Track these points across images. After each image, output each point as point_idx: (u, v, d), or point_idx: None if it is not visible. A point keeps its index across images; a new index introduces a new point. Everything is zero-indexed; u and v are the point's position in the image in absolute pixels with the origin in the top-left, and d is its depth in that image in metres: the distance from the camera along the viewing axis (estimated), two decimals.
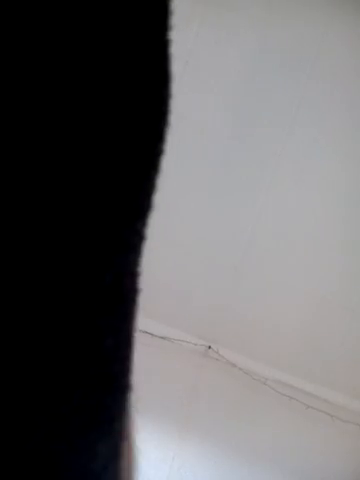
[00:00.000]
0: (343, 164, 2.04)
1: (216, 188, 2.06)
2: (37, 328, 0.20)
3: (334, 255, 2.07)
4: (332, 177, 2.05)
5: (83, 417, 0.21)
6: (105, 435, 0.22)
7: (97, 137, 0.20)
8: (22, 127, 0.19)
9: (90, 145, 0.20)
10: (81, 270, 0.20)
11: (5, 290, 0.19)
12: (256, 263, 2.08)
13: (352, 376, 2.11)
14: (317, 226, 2.06)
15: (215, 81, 2.01)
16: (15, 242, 0.19)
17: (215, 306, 2.10)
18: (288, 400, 2.08)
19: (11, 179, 0.19)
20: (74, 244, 0.20)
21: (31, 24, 0.19)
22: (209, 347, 2.11)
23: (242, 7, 1.98)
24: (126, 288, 0.22)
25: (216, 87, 2.02)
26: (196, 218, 2.08)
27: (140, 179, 0.22)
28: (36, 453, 0.19)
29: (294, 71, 2.00)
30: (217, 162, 2.06)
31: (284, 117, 2.02)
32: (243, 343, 2.10)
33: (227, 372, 2.08)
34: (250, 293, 2.10)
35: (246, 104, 2.04)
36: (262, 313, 2.09)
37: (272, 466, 2.07)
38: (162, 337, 2.08)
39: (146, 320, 2.00)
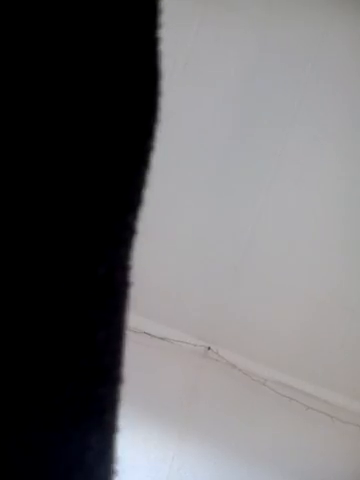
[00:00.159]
0: (343, 164, 2.04)
1: (216, 188, 2.06)
2: (31, 321, 0.20)
3: (334, 255, 2.07)
4: (332, 177, 2.05)
5: (75, 408, 0.21)
6: (96, 426, 0.22)
7: (88, 133, 0.21)
8: (14, 123, 0.19)
9: (81, 141, 0.21)
10: (73, 263, 0.21)
11: None
12: (256, 263, 2.08)
13: (352, 377, 2.11)
14: (317, 226, 2.06)
15: (215, 81, 2.02)
16: (9, 236, 0.19)
17: (215, 307, 2.10)
18: (288, 401, 2.08)
19: (3, 175, 0.19)
20: (66, 237, 0.20)
21: (21, 24, 0.19)
22: (209, 348, 2.11)
23: (242, 7, 1.98)
24: (117, 281, 0.23)
25: (216, 87, 2.02)
26: (196, 218, 2.08)
27: (130, 174, 0.23)
28: (30, 444, 0.20)
29: (294, 71, 2.00)
30: (217, 162, 2.06)
31: (284, 117, 2.02)
32: (243, 344, 2.10)
33: (227, 373, 2.09)
34: (250, 294, 2.10)
35: (246, 104, 2.04)
36: (262, 314, 2.09)
37: (272, 467, 2.07)
38: (162, 338, 2.08)
39: (146, 321, 2.01)
